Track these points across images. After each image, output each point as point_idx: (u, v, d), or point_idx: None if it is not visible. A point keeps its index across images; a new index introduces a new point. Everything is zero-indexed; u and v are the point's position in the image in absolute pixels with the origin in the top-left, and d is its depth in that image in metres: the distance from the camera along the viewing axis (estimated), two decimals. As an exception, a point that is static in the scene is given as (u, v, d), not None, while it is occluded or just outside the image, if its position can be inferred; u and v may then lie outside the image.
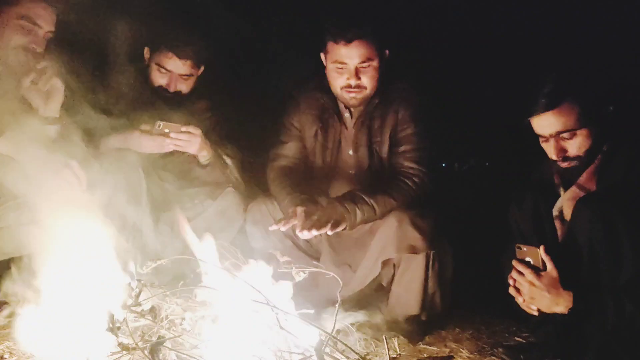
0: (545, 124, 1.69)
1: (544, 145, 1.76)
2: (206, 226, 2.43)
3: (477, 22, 3.41)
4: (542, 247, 1.64)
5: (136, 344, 1.32)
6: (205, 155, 2.34)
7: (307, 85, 2.36)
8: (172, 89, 2.34)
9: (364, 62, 2.12)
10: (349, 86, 2.15)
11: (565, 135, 1.69)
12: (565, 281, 1.61)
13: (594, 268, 1.59)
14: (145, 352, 1.30)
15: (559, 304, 1.60)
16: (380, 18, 2.23)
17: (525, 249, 1.68)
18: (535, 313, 1.68)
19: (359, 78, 2.14)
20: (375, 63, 2.14)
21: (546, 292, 1.60)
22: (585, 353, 1.61)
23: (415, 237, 2.01)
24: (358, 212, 2.01)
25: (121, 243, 1.64)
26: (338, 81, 2.17)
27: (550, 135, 1.70)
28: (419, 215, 2.04)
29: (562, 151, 1.70)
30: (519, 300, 1.69)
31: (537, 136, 1.76)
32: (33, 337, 1.52)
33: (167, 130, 2.20)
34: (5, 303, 1.77)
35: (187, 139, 2.23)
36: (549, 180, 1.86)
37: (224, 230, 2.43)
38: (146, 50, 2.38)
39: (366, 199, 2.04)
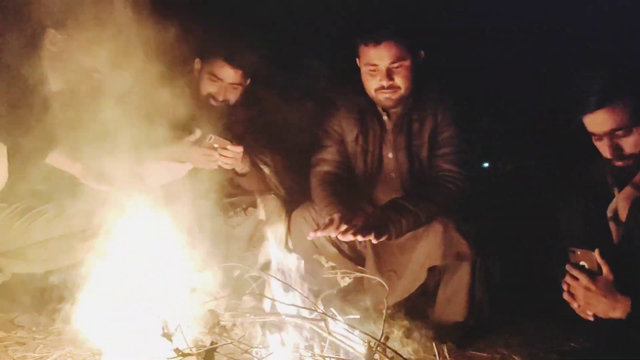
0: (598, 121, 1.65)
1: (597, 143, 1.71)
2: (249, 233, 2.50)
3: (519, 17, 3.34)
4: (597, 251, 1.59)
5: (191, 350, 1.36)
6: (241, 165, 2.40)
7: (346, 89, 2.37)
8: (220, 98, 2.41)
9: (394, 62, 2.12)
10: (382, 87, 2.15)
11: (619, 133, 1.64)
12: (623, 285, 1.55)
13: None
14: (201, 358, 1.34)
15: (616, 309, 1.54)
16: (410, 18, 2.23)
17: (579, 252, 1.64)
18: (591, 318, 1.62)
19: (391, 79, 2.14)
20: (407, 63, 2.14)
21: (602, 297, 1.55)
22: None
23: (461, 244, 1.98)
24: (403, 221, 2.00)
25: (178, 250, 1.70)
26: (371, 83, 2.18)
27: (604, 133, 1.66)
28: (464, 219, 2.01)
29: (616, 149, 1.65)
30: (574, 305, 1.64)
31: (587, 134, 1.72)
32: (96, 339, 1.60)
33: (216, 145, 2.26)
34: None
35: (233, 157, 2.28)
36: (601, 180, 1.80)
37: (267, 237, 2.48)
38: (197, 62, 2.45)
39: (410, 207, 2.03)
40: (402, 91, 2.17)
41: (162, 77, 2.04)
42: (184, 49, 2.28)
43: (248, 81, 2.48)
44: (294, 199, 2.49)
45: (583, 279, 1.59)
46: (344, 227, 1.93)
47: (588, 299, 1.59)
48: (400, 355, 1.39)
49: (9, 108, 1.75)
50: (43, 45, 1.94)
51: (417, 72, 2.18)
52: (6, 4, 1.86)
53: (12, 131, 1.76)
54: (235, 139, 2.38)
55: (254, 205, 2.52)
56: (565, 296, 1.66)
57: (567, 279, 1.64)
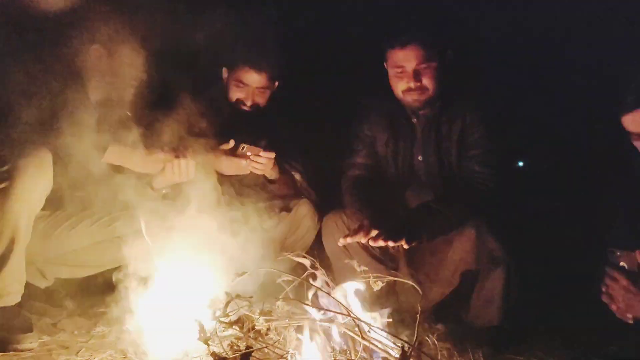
0: (637, 121, 1.60)
1: (636, 143, 1.67)
2: (283, 237, 2.52)
3: (555, 16, 3.26)
4: (637, 252, 1.55)
5: (227, 353, 1.39)
6: (271, 172, 2.43)
7: (377, 93, 2.37)
8: (249, 102, 2.49)
9: (421, 63, 2.12)
10: (410, 89, 2.16)
11: None
12: None
13: None
14: (236, 361, 1.36)
15: None
16: (436, 20, 2.22)
17: (619, 253, 1.60)
18: (631, 321, 1.58)
19: (418, 80, 2.14)
20: (433, 64, 2.13)
21: None
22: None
23: (495, 248, 1.96)
24: (435, 225, 1.99)
25: (212, 255, 1.74)
26: (399, 85, 2.19)
27: None
28: (497, 222, 1.98)
29: None
30: (613, 307, 1.60)
31: (626, 134, 1.67)
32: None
33: (249, 154, 2.32)
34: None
35: (264, 163, 2.33)
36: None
37: (301, 241, 2.50)
38: (224, 71, 2.54)
39: (442, 210, 2.01)
40: (429, 92, 2.17)
41: (192, 86, 2.12)
42: (210, 58, 2.35)
43: (276, 84, 2.53)
44: (328, 203, 2.50)
45: (623, 280, 1.56)
46: (374, 232, 1.93)
47: (628, 300, 1.56)
48: (435, 360, 1.38)
49: (55, 118, 1.82)
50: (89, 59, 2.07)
51: (445, 74, 2.17)
52: (55, 23, 1.97)
53: (58, 139, 1.83)
54: (267, 144, 2.42)
55: (287, 209, 2.55)
56: (604, 298, 1.62)
57: (607, 280, 1.60)
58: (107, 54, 2.06)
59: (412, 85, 2.15)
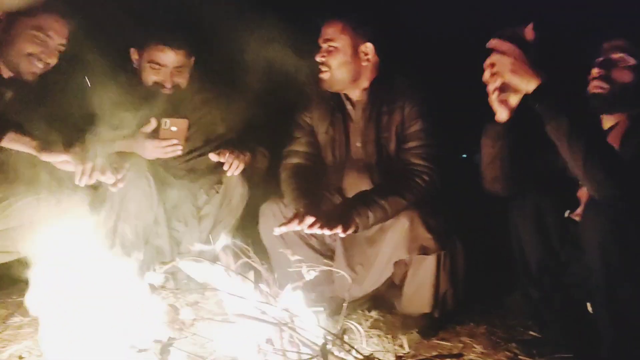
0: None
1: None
2: (215, 213, 2.46)
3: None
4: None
5: (147, 345, 1.35)
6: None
7: (316, 81, 2.36)
8: (169, 85, 2.29)
9: (326, 42, 2.18)
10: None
11: None
12: None
13: None
14: (157, 352, 1.33)
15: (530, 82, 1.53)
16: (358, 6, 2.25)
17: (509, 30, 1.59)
18: (505, 113, 1.66)
19: (322, 56, 2.19)
20: (336, 44, 2.17)
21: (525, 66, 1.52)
22: (598, 348, 1.58)
23: (426, 238, 2.00)
24: (370, 214, 2.00)
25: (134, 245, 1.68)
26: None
27: None
28: (430, 214, 2.03)
29: None
30: (492, 91, 1.63)
31: None
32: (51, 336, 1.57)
33: (174, 128, 2.19)
34: None
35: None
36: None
37: (234, 211, 2.45)
38: (133, 52, 2.32)
39: (378, 200, 2.03)
40: (333, 71, 2.19)
41: (105, 74, 2.01)
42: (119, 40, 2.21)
43: (192, 60, 2.37)
44: (264, 192, 2.47)
45: (513, 50, 1.53)
46: (310, 220, 1.92)
47: (514, 67, 1.53)
48: (355, 349, 1.40)
49: None
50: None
51: (359, 59, 2.19)
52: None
53: None
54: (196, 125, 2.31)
55: (220, 182, 2.49)
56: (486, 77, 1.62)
57: (494, 57, 1.57)
58: (10, 27, 1.94)
59: (318, 59, 2.19)
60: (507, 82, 1.58)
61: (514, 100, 1.66)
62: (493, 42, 1.56)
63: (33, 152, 1.88)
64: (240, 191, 2.44)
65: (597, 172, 1.45)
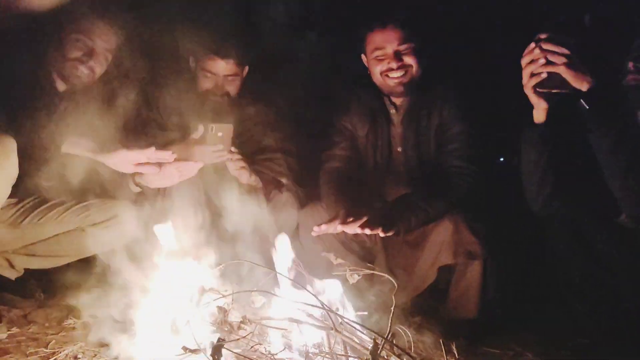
0: None
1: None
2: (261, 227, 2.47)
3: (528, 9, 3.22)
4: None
5: (199, 346, 1.36)
6: (248, 177, 2.36)
7: (356, 86, 2.36)
8: (219, 92, 2.38)
9: (401, 44, 2.14)
10: (391, 69, 2.16)
11: None
12: None
13: None
14: (208, 353, 1.34)
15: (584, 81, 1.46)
16: (413, 7, 2.25)
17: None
18: (543, 107, 1.56)
19: (400, 60, 2.14)
20: (413, 45, 2.15)
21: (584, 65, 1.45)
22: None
23: (472, 242, 1.96)
24: (412, 217, 1.98)
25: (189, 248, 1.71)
26: (378, 68, 2.18)
27: None
28: (475, 217, 1.99)
29: None
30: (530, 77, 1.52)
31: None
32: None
33: (220, 134, 2.23)
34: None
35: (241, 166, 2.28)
36: None
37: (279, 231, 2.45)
38: (191, 60, 2.44)
39: (420, 203, 2.01)
40: (412, 71, 2.16)
41: (164, 79, 2.06)
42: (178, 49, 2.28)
43: (245, 70, 2.44)
44: (306, 196, 2.47)
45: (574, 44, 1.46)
46: (350, 219, 1.91)
47: (571, 62, 1.46)
48: (407, 353, 1.38)
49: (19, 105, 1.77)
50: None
51: (423, 57, 2.17)
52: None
53: (23, 127, 1.78)
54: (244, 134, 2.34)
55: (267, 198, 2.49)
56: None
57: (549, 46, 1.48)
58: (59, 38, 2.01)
59: (393, 65, 2.14)
60: (556, 75, 1.48)
61: (552, 98, 1.56)
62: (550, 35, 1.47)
63: (91, 155, 1.95)
64: (289, 210, 2.41)
65: (638, 188, 1.38)
